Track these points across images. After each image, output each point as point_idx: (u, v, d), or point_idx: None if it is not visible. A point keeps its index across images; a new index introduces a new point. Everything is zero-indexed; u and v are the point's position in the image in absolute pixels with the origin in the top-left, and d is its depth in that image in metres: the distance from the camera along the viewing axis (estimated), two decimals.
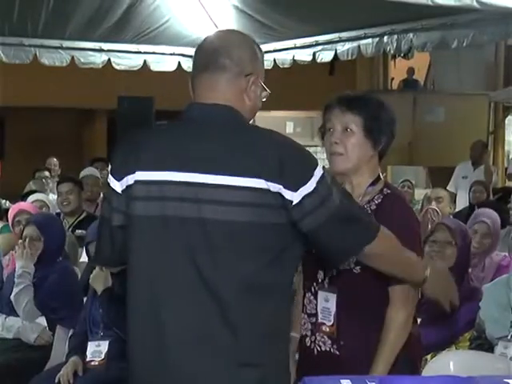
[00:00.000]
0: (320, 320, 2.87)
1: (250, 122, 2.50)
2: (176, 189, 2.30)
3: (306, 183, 2.28)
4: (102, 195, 6.46)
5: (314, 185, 2.29)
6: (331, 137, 2.87)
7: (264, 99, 2.49)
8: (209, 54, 2.41)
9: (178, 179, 2.30)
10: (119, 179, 2.39)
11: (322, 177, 2.31)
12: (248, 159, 2.27)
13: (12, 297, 4.91)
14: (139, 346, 2.41)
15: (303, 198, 2.27)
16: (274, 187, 2.25)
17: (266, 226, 2.27)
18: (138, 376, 2.42)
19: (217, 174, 2.27)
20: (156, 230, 2.33)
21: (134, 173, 2.34)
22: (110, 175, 2.45)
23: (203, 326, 2.29)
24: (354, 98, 2.91)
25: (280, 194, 2.26)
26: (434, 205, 6.88)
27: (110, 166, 2.49)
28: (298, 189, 2.26)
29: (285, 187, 2.25)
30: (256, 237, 2.28)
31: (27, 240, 5.05)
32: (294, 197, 2.26)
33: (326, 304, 2.85)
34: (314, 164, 2.34)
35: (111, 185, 2.42)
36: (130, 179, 2.35)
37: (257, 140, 2.34)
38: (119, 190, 2.39)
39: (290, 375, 2.56)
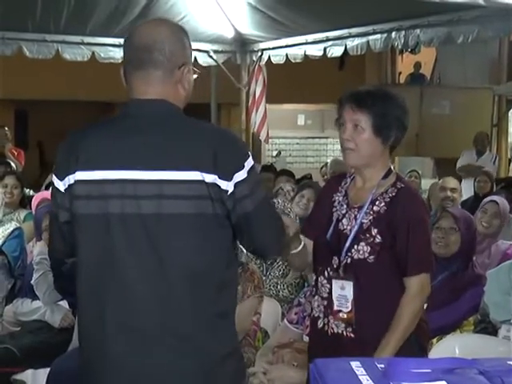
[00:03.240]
0: (336, 307, 2.91)
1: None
2: (116, 187, 2.29)
3: (238, 172, 2.28)
4: None
5: (246, 174, 2.29)
6: (343, 133, 2.92)
7: (195, 76, 2.47)
8: (141, 51, 2.34)
9: (116, 177, 2.29)
10: (61, 179, 2.38)
11: (252, 167, 2.34)
12: (183, 152, 2.27)
13: (33, 282, 4.97)
14: (85, 339, 2.44)
15: (235, 187, 2.27)
16: (209, 178, 2.24)
17: (204, 216, 2.27)
18: (86, 367, 2.44)
19: (154, 169, 2.26)
20: (99, 227, 2.32)
21: (74, 173, 2.34)
22: (53, 175, 2.45)
23: (143, 322, 2.30)
24: (363, 95, 2.91)
25: (216, 185, 2.25)
26: (449, 194, 6.84)
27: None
28: (232, 177, 2.27)
29: (220, 177, 2.25)
30: (196, 229, 2.28)
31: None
32: (229, 186, 2.27)
33: (342, 292, 2.90)
34: (245, 154, 2.35)
35: (55, 184, 2.42)
36: (71, 179, 2.35)
37: (191, 133, 2.33)
38: (62, 189, 2.39)
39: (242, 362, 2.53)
